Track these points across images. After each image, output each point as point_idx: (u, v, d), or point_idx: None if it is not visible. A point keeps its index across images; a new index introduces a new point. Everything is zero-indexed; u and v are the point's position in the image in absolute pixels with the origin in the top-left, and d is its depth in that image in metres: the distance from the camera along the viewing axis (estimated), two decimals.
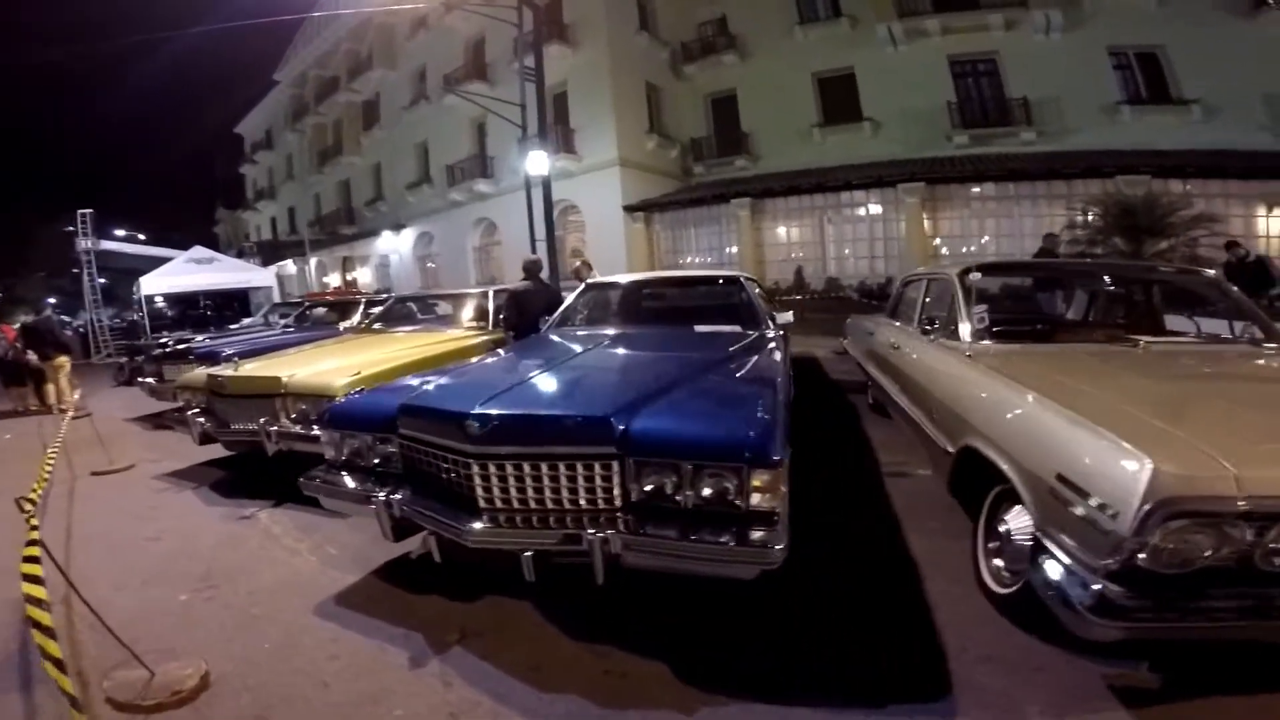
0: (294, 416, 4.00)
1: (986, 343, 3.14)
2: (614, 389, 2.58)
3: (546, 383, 2.68)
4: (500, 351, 3.95)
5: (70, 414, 8.21)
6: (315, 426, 3.87)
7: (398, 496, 2.35)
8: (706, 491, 1.97)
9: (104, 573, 3.08)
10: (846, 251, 16.90)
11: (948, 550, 2.84)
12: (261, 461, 4.14)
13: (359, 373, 3.96)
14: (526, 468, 2.11)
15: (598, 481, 2.08)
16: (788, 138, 18.96)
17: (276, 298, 16.83)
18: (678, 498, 2.01)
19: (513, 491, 2.15)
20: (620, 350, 3.36)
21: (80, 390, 7.52)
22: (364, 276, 27.43)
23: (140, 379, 7.90)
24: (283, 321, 9.46)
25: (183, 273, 16.71)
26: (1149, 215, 10.43)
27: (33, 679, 2.21)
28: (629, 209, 18.63)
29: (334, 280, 28.56)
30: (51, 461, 3.84)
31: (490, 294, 6.10)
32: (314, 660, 2.30)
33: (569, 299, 4.86)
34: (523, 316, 5.31)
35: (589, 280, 5.22)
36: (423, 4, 17.66)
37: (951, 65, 17.02)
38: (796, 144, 18.79)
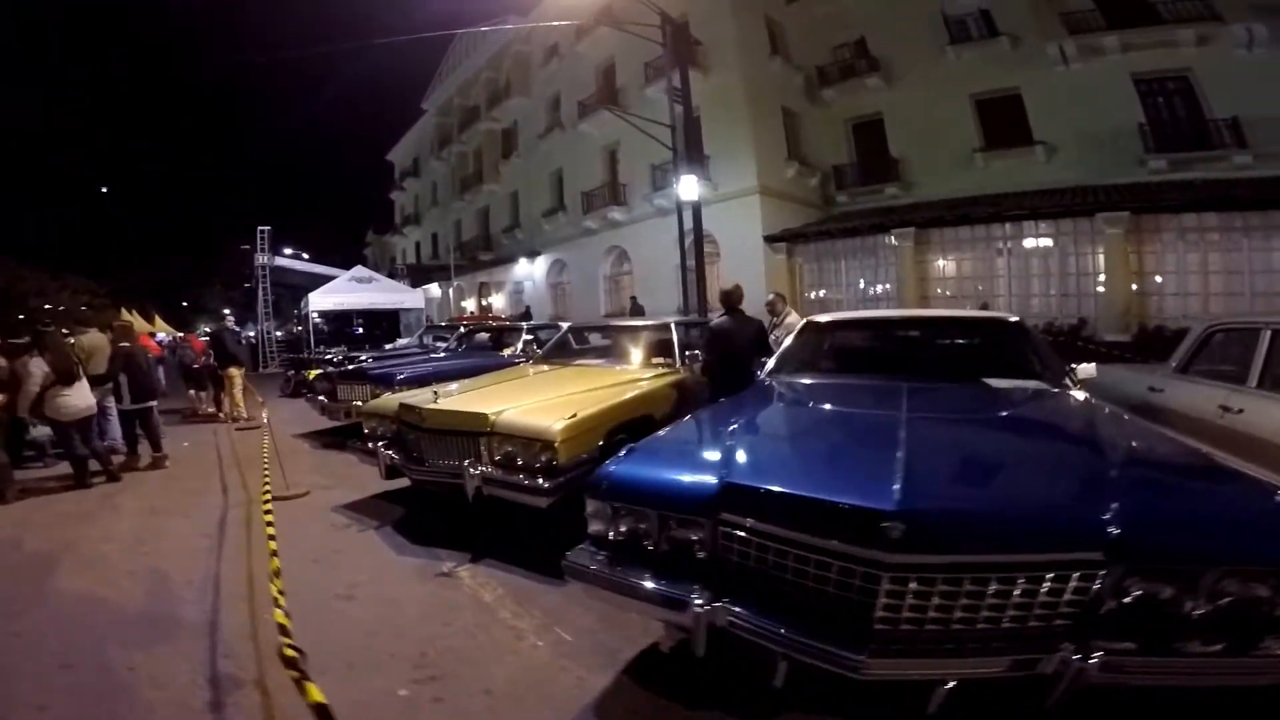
0: (498, 459, 3.56)
1: None
2: (1074, 474, 2.02)
3: (953, 463, 2.10)
4: (699, 411, 3.18)
5: (238, 425, 8.62)
6: (522, 474, 3.44)
7: (720, 605, 1.75)
8: (1226, 599, 1.54)
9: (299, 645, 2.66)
10: (1025, 288, 15.08)
11: None
12: (449, 501, 3.73)
13: (574, 414, 3.47)
14: (967, 582, 1.55)
15: (1067, 594, 1.57)
16: (944, 163, 17.49)
17: (425, 321, 17.52)
18: (1175, 607, 1.56)
19: (932, 609, 1.57)
20: (954, 416, 2.67)
21: (265, 405, 7.69)
22: (498, 302, 28.20)
23: (310, 394, 8.06)
24: (442, 345, 9.49)
25: (345, 290, 17.77)
26: None
27: None
28: (770, 239, 17.83)
29: (470, 305, 29.69)
30: (269, 516, 3.53)
31: (673, 327, 5.57)
32: None
33: (789, 338, 4.18)
34: (725, 356, 4.69)
35: (808, 318, 4.49)
36: (566, 21, 17.87)
37: (1137, 84, 15.05)
38: (955, 170, 17.27)
